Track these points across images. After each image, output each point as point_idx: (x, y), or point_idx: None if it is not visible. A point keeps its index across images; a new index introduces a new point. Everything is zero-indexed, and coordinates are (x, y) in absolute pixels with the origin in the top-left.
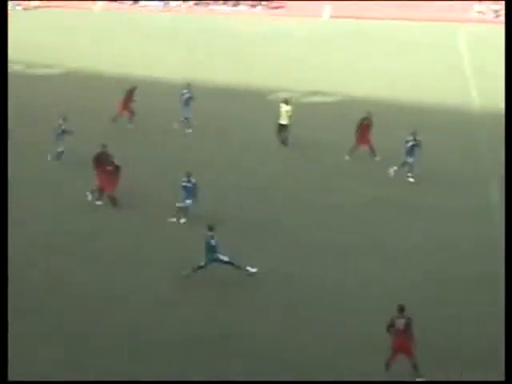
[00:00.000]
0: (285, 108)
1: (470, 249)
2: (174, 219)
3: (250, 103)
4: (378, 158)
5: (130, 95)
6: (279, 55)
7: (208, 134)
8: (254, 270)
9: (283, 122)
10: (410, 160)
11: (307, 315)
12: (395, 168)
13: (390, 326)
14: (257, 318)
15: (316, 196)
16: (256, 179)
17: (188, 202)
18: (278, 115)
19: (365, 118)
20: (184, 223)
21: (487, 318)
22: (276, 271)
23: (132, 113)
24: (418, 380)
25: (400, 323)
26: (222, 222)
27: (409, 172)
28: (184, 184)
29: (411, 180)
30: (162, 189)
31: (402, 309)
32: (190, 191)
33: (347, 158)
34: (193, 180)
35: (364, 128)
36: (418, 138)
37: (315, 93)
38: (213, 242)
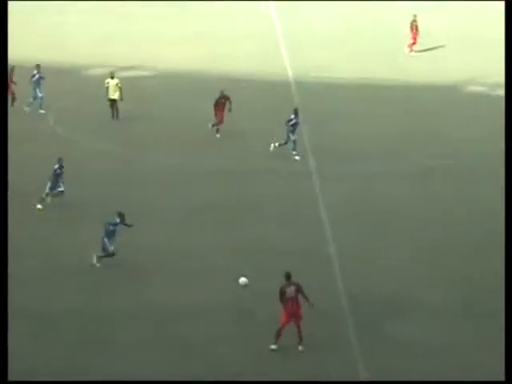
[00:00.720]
0: (112, 82)
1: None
2: (40, 206)
3: (71, 80)
4: (218, 136)
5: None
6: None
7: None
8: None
9: (113, 96)
10: (293, 138)
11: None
12: (276, 145)
13: (282, 295)
14: None
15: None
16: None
17: (60, 188)
18: (103, 90)
19: (222, 97)
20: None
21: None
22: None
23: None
24: (300, 348)
25: (291, 291)
26: None
27: (293, 150)
28: (58, 171)
29: (297, 158)
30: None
31: (289, 276)
32: (61, 177)
33: (218, 136)
34: (63, 166)
35: (221, 104)
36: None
37: (131, 67)
38: (114, 228)
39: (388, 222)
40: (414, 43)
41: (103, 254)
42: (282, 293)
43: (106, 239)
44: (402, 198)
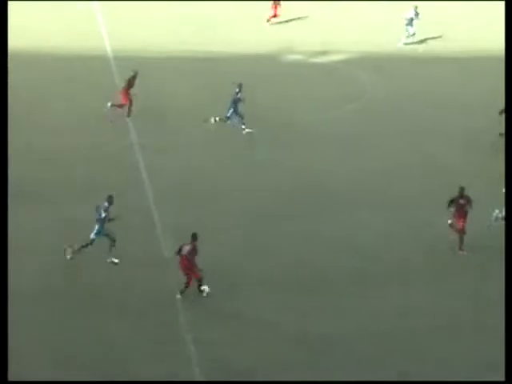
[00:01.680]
0: None
1: None
2: None
3: None
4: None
5: None
6: None
7: None
8: (116, 260)
9: None
10: (240, 112)
11: None
12: (217, 119)
13: (179, 250)
14: None
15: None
16: None
17: None
18: None
19: (133, 76)
20: None
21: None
22: None
23: None
24: (178, 296)
25: (186, 249)
26: None
27: (242, 124)
28: None
29: (248, 130)
30: None
31: (194, 237)
32: None
33: (128, 120)
34: None
35: (130, 84)
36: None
37: None
38: (104, 213)
39: (213, 195)
40: (274, 16)
41: (111, 244)
42: (180, 248)
43: (99, 227)
44: (227, 167)
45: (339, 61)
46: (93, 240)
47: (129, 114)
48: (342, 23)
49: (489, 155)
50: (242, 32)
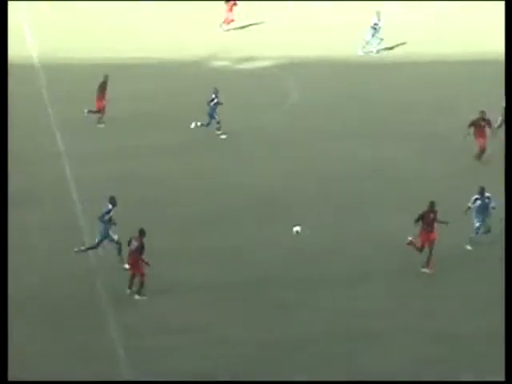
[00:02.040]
0: None
1: None
2: None
3: None
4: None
5: None
6: None
7: None
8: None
9: None
10: (217, 118)
11: None
12: (198, 124)
13: (128, 245)
14: None
15: None
16: None
17: None
18: None
19: (104, 82)
20: None
21: None
22: None
23: None
24: (137, 298)
25: (133, 245)
26: None
27: (218, 130)
28: None
29: (223, 137)
30: None
31: (141, 232)
32: None
33: (101, 126)
34: None
35: (104, 90)
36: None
37: None
38: (108, 216)
39: (142, 197)
40: (230, 21)
41: (117, 247)
42: (129, 241)
43: (106, 230)
44: (166, 172)
45: (264, 67)
46: (98, 243)
47: (99, 121)
48: (275, 28)
49: (423, 154)
50: (169, 37)
